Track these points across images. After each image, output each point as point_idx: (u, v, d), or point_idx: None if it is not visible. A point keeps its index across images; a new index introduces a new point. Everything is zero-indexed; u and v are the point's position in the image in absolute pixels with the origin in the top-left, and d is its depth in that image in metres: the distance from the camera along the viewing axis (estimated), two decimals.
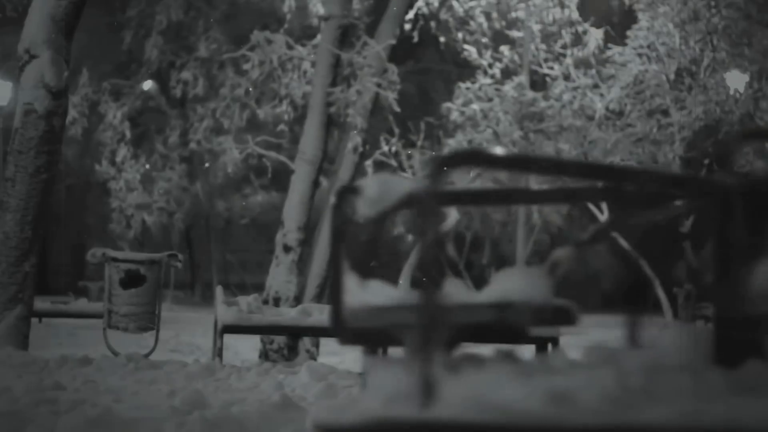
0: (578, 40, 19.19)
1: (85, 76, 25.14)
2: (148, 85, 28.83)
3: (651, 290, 17.27)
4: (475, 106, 19.30)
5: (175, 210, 29.80)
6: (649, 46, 17.69)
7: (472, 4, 18.46)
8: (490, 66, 19.34)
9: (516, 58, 19.65)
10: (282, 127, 17.72)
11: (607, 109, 18.23)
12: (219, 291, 10.12)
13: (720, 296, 2.53)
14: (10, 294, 9.27)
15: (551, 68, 19.23)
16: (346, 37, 15.08)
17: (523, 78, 19.32)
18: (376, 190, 2.42)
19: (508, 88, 19.20)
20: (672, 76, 17.60)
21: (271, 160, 17.88)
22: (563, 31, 19.16)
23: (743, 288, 2.44)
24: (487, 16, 18.93)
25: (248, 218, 33.88)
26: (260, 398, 6.24)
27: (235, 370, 8.22)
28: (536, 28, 19.35)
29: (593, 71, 18.56)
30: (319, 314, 9.60)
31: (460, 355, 2.35)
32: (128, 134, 27.33)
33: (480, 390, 2.12)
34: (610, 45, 18.47)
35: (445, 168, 2.21)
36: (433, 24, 18.10)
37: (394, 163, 18.71)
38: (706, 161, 17.57)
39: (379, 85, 15.25)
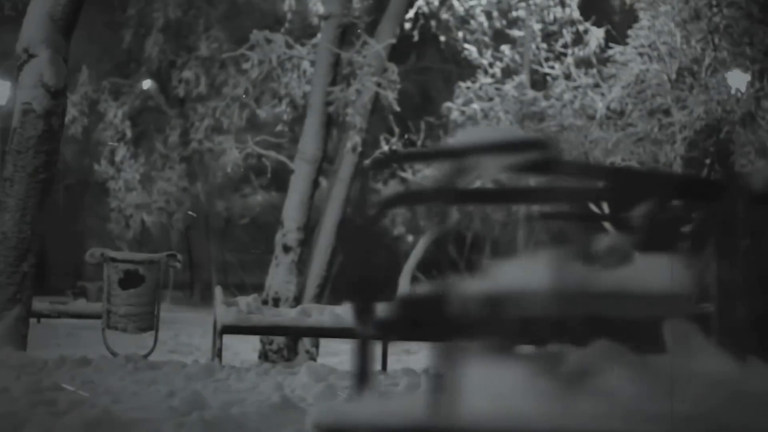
0: (579, 39, 19.19)
1: (85, 74, 25.09)
2: (147, 84, 28.80)
3: None
4: (476, 106, 19.29)
5: (175, 210, 29.76)
6: (650, 46, 17.64)
7: (472, 3, 18.46)
8: (491, 65, 19.34)
9: (517, 57, 19.64)
10: (282, 126, 17.70)
11: (608, 108, 18.20)
12: (218, 291, 10.10)
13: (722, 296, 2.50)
14: (9, 294, 9.25)
15: (552, 67, 19.22)
16: (345, 36, 15.06)
17: (523, 77, 19.30)
18: (464, 140, 2.35)
19: (509, 87, 19.18)
20: (673, 76, 17.56)
21: (270, 159, 17.85)
22: (564, 31, 19.16)
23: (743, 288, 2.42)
24: (488, 15, 18.94)
25: (248, 218, 33.85)
26: (260, 399, 6.22)
27: (234, 371, 8.22)
28: (537, 27, 19.35)
29: (594, 70, 18.55)
30: (319, 314, 9.58)
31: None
32: (128, 133, 27.30)
33: None
34: (611, 44, 18.44)
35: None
36: (433, 23, 18.10)
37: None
38: (708, 161, 17.54)
39: (379, 85, 15.22)
